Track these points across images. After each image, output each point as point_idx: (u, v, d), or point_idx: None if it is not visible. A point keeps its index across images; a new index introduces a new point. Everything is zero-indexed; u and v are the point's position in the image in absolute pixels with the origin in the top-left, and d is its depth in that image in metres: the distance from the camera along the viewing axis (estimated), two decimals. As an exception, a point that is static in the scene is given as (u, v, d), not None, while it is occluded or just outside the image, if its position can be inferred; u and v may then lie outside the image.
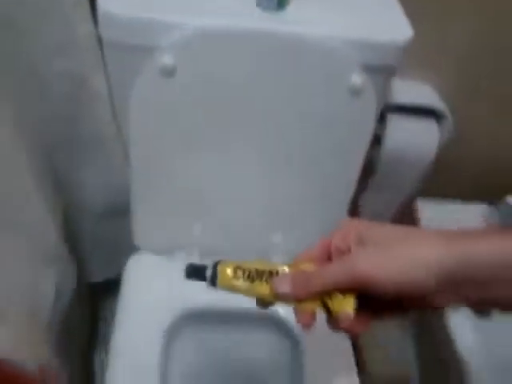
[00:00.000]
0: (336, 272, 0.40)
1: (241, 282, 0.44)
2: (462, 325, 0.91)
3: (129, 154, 0.72)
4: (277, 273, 0.44)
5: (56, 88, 0.69)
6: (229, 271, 0.45)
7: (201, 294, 0.78)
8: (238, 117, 0.69)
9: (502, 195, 1.03)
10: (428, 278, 0.37)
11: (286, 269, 0.44)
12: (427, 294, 0.38)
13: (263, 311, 0.47)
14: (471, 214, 1.07)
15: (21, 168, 0.69)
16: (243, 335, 0.85)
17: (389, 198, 1.03)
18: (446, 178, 1.07)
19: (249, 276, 0.45)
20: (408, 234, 0.41)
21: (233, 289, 0.45)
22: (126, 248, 0.86)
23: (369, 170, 0.96)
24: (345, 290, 0.41)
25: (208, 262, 0.46)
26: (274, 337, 0.87)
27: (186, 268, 0.46)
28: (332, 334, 0.44)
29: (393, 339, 1.25)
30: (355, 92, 0.66)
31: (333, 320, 0.42)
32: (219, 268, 0.45)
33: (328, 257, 0.44)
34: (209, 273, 0.45)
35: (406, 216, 1.09)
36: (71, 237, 0.86)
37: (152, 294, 0.79)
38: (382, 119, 0.92)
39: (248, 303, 0.47)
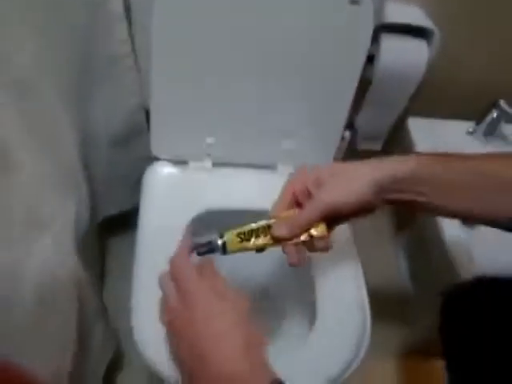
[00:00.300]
0: (312, 210, 0.58)
1: (245, 243, 0.58)
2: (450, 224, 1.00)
3: (150, 70, 0.79)
4: (269, 226, 0.59)
5: (76, 8, 0.75)
6: (235, 239, 0.58)
7: (215, 197, 0.88)
8: (246, 31, 0.76)
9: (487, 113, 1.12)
10: (369, 190, 0.57)
11: (273, 220, 0.59)
12: (368, 202, 0.58)
13: None
14: (458, 131, 1.15)
15: (47, 83, 0.75)
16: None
17: (383, 116, 1.11)
18: (435, 97, 1.15)
19: (250, 235, 0.58)
20: (350, 167, 0.60)
21: (241, 250, 0.58)
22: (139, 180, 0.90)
23: (363, 88, 1.04)
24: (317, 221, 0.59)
25: (209, 237, 0.58)
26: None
27: (194, 249, 0.56)
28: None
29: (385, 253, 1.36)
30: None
31: (311, 246, 0.60)
32: (226, 238, 0.57)
33: (296, 201, 0.61)
34: (219, 244, 0.57)
35: (398, 134, 1.17)
36: (87, 165, 0.92)
37: (169, 198, 0.86)
38: (375, 39, 0.99)
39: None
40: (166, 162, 0.90)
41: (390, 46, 0.98)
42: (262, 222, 0.59)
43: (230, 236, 0.58)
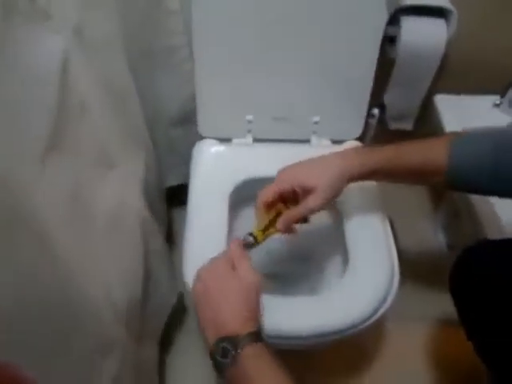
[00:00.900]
0: (303, 208, 0.76)
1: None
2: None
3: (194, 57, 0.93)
4: (276, 218, 0.78)
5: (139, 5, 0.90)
6: (259, 233, 0.78)
7: (258, 167, 1.00)
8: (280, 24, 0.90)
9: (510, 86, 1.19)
10: (338, 180, 0.76)
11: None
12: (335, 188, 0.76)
13: None
14: (484, 105, 1.22)
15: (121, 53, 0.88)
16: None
17: (410, 94, 1.20)
18: (460, 74, 1.22)
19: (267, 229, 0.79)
20: (323, 162, 0.78)
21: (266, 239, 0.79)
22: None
23: (389, 68, 1.14)
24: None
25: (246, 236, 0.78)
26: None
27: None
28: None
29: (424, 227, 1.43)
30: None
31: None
32: (254, 234, 0.78)
33: (280, 198, 0.79)
34: (252, 239, 0.77)
35: (428, 114, 1.25)
36: (151, 136, 1.06)
37: (214, 171, 0.99)
38: (396, 21, 1.09)
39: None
40: (211, 140, 1.04)
41: (409, 27, 1.08)
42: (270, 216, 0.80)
43: (257, 232, 0.78)
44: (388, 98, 1.20)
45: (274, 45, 0.92)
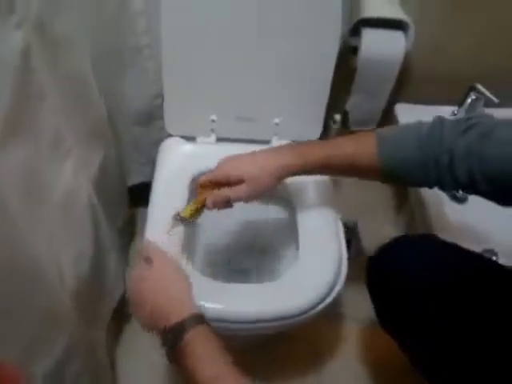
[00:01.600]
0: (229, 191, 0.82)
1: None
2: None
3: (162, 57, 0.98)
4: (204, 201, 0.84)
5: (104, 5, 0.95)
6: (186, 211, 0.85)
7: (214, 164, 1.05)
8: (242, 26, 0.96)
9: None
10: (265, 175, 0.81)
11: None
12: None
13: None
14: (443, 114, 1.27)
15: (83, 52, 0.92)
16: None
17: (371, 102, 1.25)
18: (420, 84, 1.29)
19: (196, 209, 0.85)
20: (255, 157, 0.84)
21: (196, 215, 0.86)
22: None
23: (352, 77, 1.20)
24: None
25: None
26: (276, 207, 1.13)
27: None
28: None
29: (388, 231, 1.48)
30: None
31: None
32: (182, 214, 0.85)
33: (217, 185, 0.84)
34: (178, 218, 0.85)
35: (388, 120, 1.32)
36: (115, 134, 1.12)
37: (179, 166, 1.04)
38: (357, 32, 1.15)
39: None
40: (177, 138, 1.09)
41: (369, 38, 1.14)
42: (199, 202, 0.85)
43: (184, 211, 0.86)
44: (350, 105, 1.26)
45: (237, 46, 0.98)
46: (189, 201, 0.98)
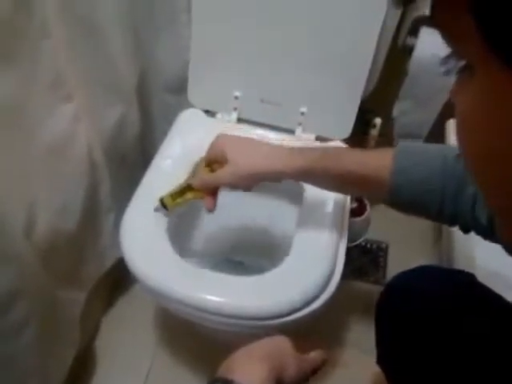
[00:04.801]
0: (216, 178, 0.75)
1: (178, 200, 0.80)
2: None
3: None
4: (191, 185, 0.78)
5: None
6: (169, 199, 0.80)
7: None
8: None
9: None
10: (262, 178, 0.72)
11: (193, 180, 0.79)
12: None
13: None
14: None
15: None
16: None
17: (420, 112, 1.13)
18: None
19: (179, 195, 0.79)
20: (249, 152, 0.73)
21: (177, 205, 0.80)
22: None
23: (401, 78, 1.09)
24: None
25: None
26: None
27: (154, 209, 0.81)
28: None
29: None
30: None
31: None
32: (164, 200, 0.80)
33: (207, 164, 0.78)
34: (160, 206, 0.80)
35: (438, 138, 1.18)
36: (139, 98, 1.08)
37: (191, 138, 0.98)
38: (415, 31, 1.04)
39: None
40: (196, 110, 1.03)
41: (426, 39, 1.02)
42: (184, 184, 0.80)
43: (167, 198, 0.80)
44: (397, 111, 1.15)
45: (270, 23, 0.91)
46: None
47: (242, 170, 0.72)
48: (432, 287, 0.67)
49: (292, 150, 0.72)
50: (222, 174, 0.73)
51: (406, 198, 0.65)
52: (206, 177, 0.77)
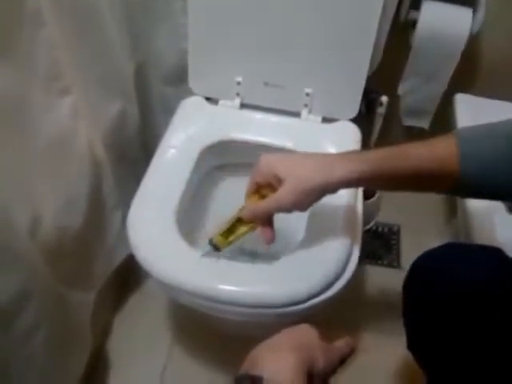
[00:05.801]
0: (267, 206, 0.68)
1: (230, 238, 0.72)
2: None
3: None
4: (241, 218, 0.71)
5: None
6: (220, 238, 0.72)
7: (238, 132, 0.95)
8: None
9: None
10: (317, 197, 0.66)
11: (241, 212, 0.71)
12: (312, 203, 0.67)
13: None
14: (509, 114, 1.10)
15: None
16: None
17: (427, 87, 1.10)
18: (488, 75, 1.12)
19: (230, 231, 0.72)
20: (305, 173, 0.65)
21: (230, 243, 0.72)
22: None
23: (405, 54, 1.06)
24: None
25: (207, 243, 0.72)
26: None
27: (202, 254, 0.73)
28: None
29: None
30: None
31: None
32: (215, 241, 0.72)
33: (257, 190, 0.70)
34: (210, 249, 0.72)
35: (446, 113, 1.15)
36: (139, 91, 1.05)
37: (194, 126, 0.95)
38: (417, 4, 1.01)
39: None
40: (198, 98, 1.00)
41: (430, 12, 1.00)
42: (233, 219, 0.72)
43: (217, 238, 0.72)
44: (403, 89, 1.12)
45: (272, 5, 0.88)
46: (193, 173, 0.89)
47: (305, 183, 0.65)
48: (461, 266, 0.64)
49: (343, 157, 0.67)
50: (282, 193, 0.66)
51: (475, 185, 0.63)
52: (261, 204, 0.69)
